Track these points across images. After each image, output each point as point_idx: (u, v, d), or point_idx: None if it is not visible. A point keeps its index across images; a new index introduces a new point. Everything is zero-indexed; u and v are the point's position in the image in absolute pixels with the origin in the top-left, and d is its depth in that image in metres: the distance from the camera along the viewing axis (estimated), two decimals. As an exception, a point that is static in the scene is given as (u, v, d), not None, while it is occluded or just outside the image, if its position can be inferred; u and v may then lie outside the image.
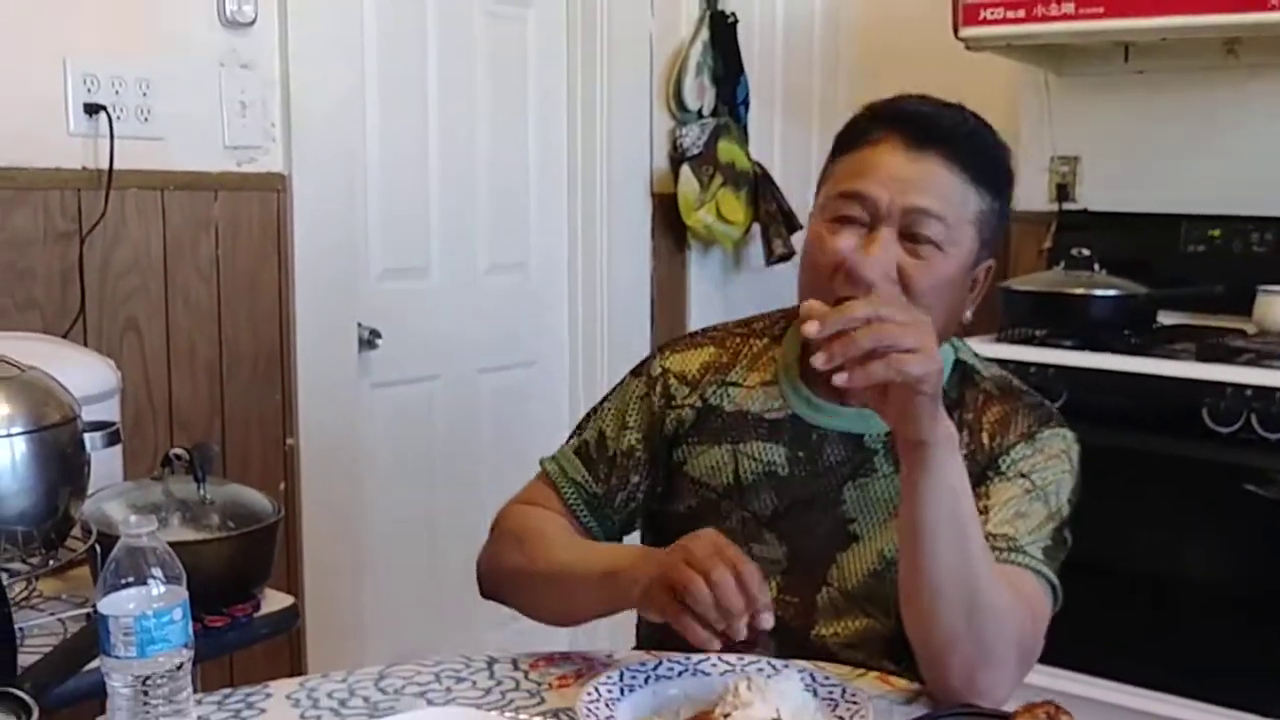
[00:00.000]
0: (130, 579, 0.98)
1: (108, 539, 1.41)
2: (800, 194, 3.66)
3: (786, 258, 3.29)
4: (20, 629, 1.34)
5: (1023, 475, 1.26)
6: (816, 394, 1.32)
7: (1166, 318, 2.75)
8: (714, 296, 3.40)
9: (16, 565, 1.34)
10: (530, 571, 1.29)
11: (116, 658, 0.97)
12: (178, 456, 1.49)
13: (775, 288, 3.50)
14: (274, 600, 1.54)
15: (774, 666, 1.16)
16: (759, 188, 3.27)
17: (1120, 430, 2.41)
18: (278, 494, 2.40)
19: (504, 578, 1.34)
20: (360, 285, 2.59)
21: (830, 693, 1.12)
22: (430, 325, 2.77)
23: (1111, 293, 2.55)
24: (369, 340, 2.60)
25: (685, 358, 1.39)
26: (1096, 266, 2.61)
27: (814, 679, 1.13)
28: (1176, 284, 2.71)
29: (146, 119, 2.15)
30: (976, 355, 1.40)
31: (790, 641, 1.26)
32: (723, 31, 3.24)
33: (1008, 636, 1.13)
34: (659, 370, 1.39)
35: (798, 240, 3.33)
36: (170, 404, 2.24)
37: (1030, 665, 1.19)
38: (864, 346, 1.00)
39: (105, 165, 2.07)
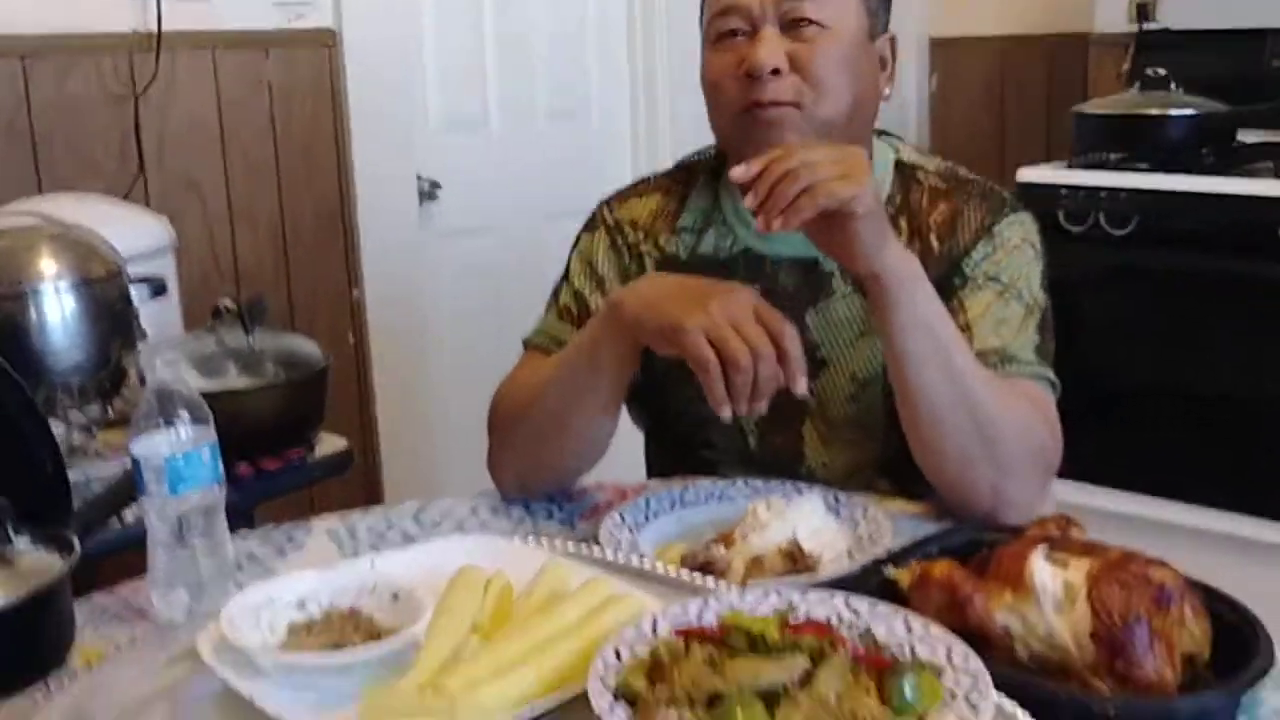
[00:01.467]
0: (159, 422, 1.02)
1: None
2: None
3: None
4: (86, 476, 1.43)
5: (990, 278, 1.24)
6: None
7: (1247, 136, 2.63)
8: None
9: (75, 415, 1.40)
10: (533, 418, 1.24)
11: (150, 497, 1.02)
12: (227, 308, 1.53)
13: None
14: (330, 444, 1.59)
15: (797, 489, 1.18)
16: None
17: (1194, 252, 2.34)
18: (345, 343, 2.47)
19: (516, 460, 1.27)
20: (418, 137, 2.59)
21: (851, 513, 1.13)
22: (490, 175, 2.77)
23: (1188, 112, 2.44)
24: (429, 192, 2.62)
25: (633, 205, 1.37)
26: (1173, 85, 2.49)
27: (837, 500, 1.15)
28: (1260, 102, 2.59)
29: (193, -23, 2.16)
30: (920, 151, 1.37)
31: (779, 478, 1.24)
32: None
33: (1024, 448, 1.13)
34: (612, 220, 1.37)
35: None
36: (235, 261, 2.29)
37: (1053, 470, 1.19)
38: (791, 193, 1.01)
39: (154, 27, 2.08)
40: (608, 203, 1.39)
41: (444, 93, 2.65)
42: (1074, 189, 2.46)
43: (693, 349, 1.06)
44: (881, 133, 1.36)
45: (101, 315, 1.35)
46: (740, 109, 1.22)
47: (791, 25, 1.22)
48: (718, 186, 1.35)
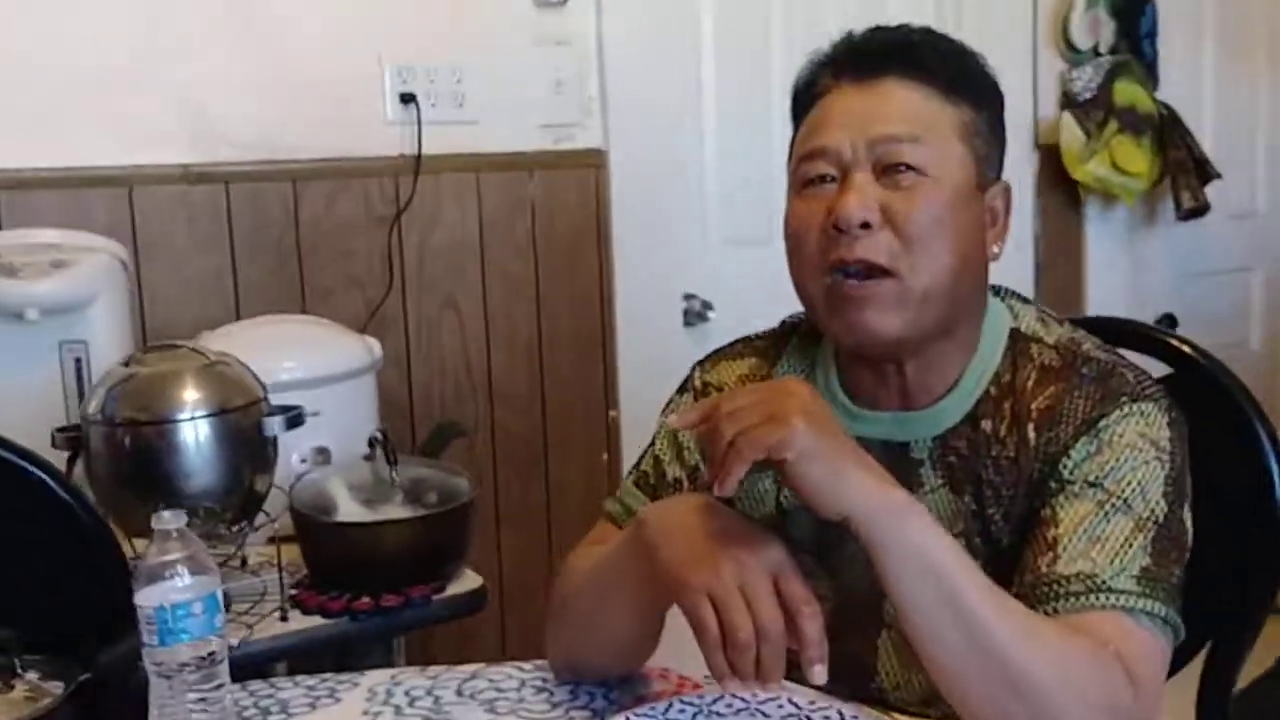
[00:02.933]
0: (159, 573, 1.03)
1: (299, 515, 1.52)
2: (1237, 133, 3.16)
3: (1199, 212, 2.85)
4: (225, 591, 1.49)
5: (1091, 484, 1.01)
6: (853, 399, 1.14)
7: None
8: (1118, 258, 3.03)
9: (223, 532, 1.46)
10: (572, 609, 1.15)
11: (145, 646, 1.03)
12: (374, 440, 1.55)
13: (1192, 246, 3.07)
14: (467, 581, 1.56)
15: (841, 715, 1.01)
16: (1165, 132, 2.84)
17: None
18: (599, 463, 2.46)
19: (561, 643, 1.17)
20: (690, 256, 2.56)
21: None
22: (770, 295, 2.67)
23: None
24: (699, 312, 2.57)
25: (725, 369, 1.24)
26: None
27: (886, 735, 0.97)
28: None
29: (461, 104, 2.26)
30: (1047, 314, 1.15)
31: (843, 697, 1.07)
32: (1124, -45, 2.85)
33: (1081, 706, 0.90)
34: (700, 384, 1.24)
35: (1213, 191, 2.88)
36: (489, 378, 2.35)
37: None
38: (719, 453, 0.92)
39: (417, 150, 2.20)
40: (702, 363, 1.27)
41: (722, 211, 2.61)
42: None
43: (691, 610, 0.93)
44: (1006, 294, 1.17)
45: (236, 443, 1.41)
46: (825, 268, 1.07)
47: (887, 172, 1.06)
48: (814, 352, 1.20)
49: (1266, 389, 3.33)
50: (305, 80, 2.13)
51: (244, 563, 1.59)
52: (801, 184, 1.11)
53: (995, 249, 1.11)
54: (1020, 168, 2.87)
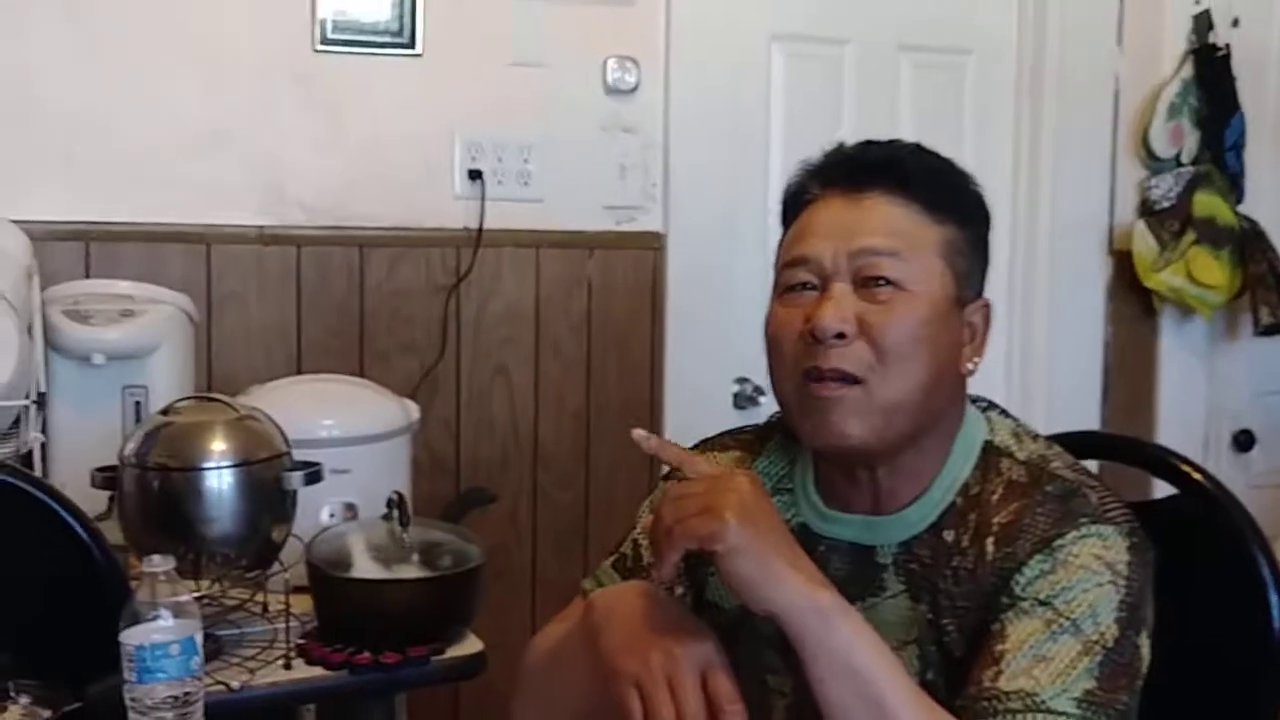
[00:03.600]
0: (144, 613, 1.09)
1: (313, 567, 1.59)
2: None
3: (1277, 328, 2.79)
4: (240, 631, 1.56)
5: (1041, 602, 1.01)
6: (826, 501, 1.15)
7: None
8: (1195, 369, 2.97)
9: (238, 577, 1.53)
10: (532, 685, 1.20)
11: (124, 681, 1.09)
12: (391, 501, 1.61)
13: (1273, 360, 2.99)
14: (469, 646, 1.60)
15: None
16: (1246, 246, 2.79)
17: None
18: (641, 540, 2.48)
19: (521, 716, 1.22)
20: (746, 340, 2.58)
21: None
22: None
23: None
24: (751, 396, 2.60)
25: (709, 460, 1.26)
26: None
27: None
28: None
29: (527, 182, 2.34)
30: (1022, 429, 1.16)
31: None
32: (1211, 66, 2.83)
33: None
34: (681, 475, 1.26)
35: (1295, 308, 2.82)
36: (535, 445, 2.41)
37: None
38: (658, 537, 0.97)
39: (480, 225, 2.29)
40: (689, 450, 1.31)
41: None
42: None
43: (618, 696, 0.97)
44: (988, 406, 1.18)
45: (256, 494, 1.48)
46: (800, 374, 1.10)
47: (866, 284, 1.09)
48: (795, 450, 1.22)
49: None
50: (376, 151, 2.24)
51: (265, 609, 1.66)
52: (784, 289, 1.14)
53: (970, 365, 1.13)
54: (1093, 272, 2.86)
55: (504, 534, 2.34)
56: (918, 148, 1.18)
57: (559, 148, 2.36)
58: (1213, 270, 2.77)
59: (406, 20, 2.25)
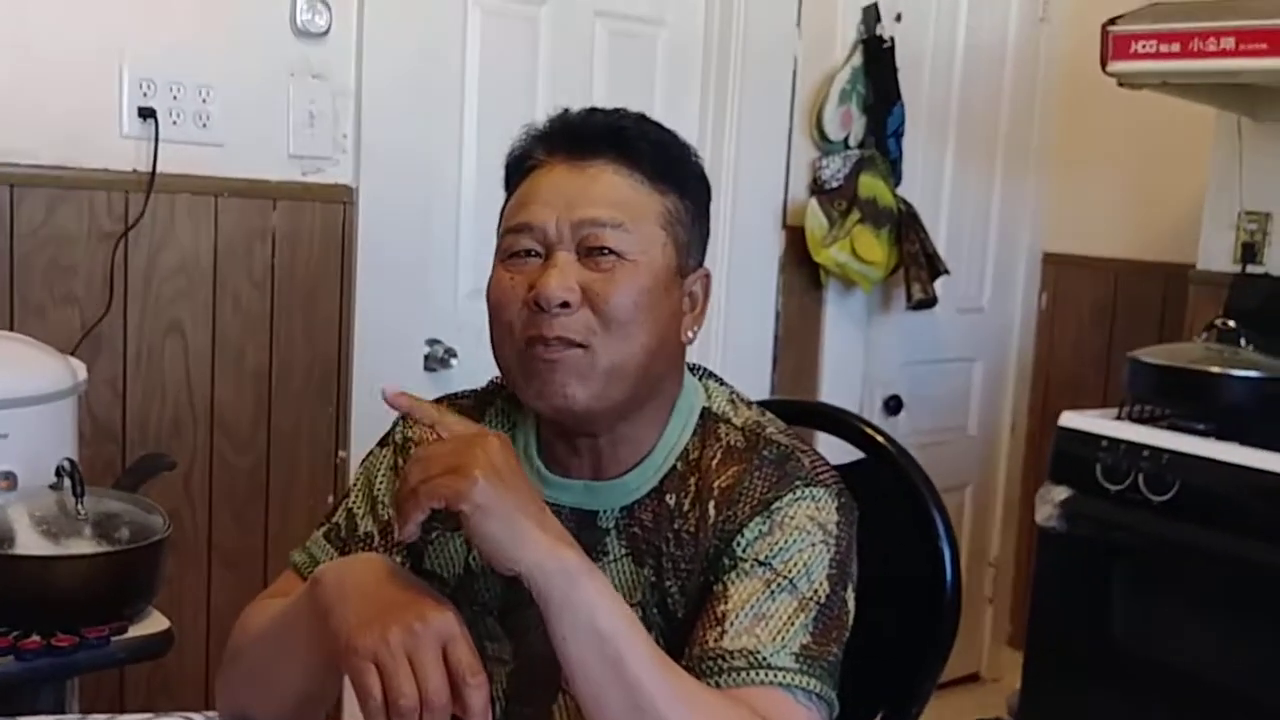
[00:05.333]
0: None
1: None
2: (971, 233, 3.38)
3: (926, 304, 3.03)
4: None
5: (761, 562, 1.06)
6: (548, 466, 1.17)
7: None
8: (854, 338, 3.17)
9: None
10: (244, 661, 1.13)
11: None
12: (62, 469, 1.47)
13: (921, 332, 3.25)
14: (153, 623, 1.49)
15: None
16: (902, 227, 3.01)
17: (1234, 535, 2.04)
18: (324, 505, 2.39)
19: (230, 694, 1.14)
20: (439, 302, 2.54)
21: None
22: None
23: (1252, 374, 2.16)
24: (442, 358, 2.55)
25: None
26: (1243, 341, 2.22)
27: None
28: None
29: (205, 124, 2.18)
30: (737, 397, 1.21)
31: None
32: (878, 58, 3.01)
33: None
34: (401, 438, 1.24)
35: (943, 285, 3.06)
36: (212, 408, 2.26)
37: None
38: (404, 495, 0.95)
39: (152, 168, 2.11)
40: (404, 418, 1.26)
41: (476, 259, 2.60)
42: (1115, 443, 2.20)
43: (354, 674, 0.92)
44: (704, 374, 1.21)
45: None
46: (523, 341, 1.09)
47: (590, 254, 1.09)
48: (516, 415, 1.21)
49: (980, 470, 3.56)
50: (29, 80, 2.01)
51: (-99, 592, 1.47)
52: (507, 255, 1.12)
53: (690, 334, 1.15)
54: (768, 246, 2.99)
55: (178, 501, 2.18)
56: (641, 117, 1.18)
57: (242, 90, 2.21)
58: (874, 248, 2.96)
59: (70, -66, 2.03)
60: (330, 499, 2.40)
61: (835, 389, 3.12)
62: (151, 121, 2.11)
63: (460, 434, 1.00)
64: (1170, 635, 2.15)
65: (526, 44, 2.61)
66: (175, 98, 2.14)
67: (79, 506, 1.45)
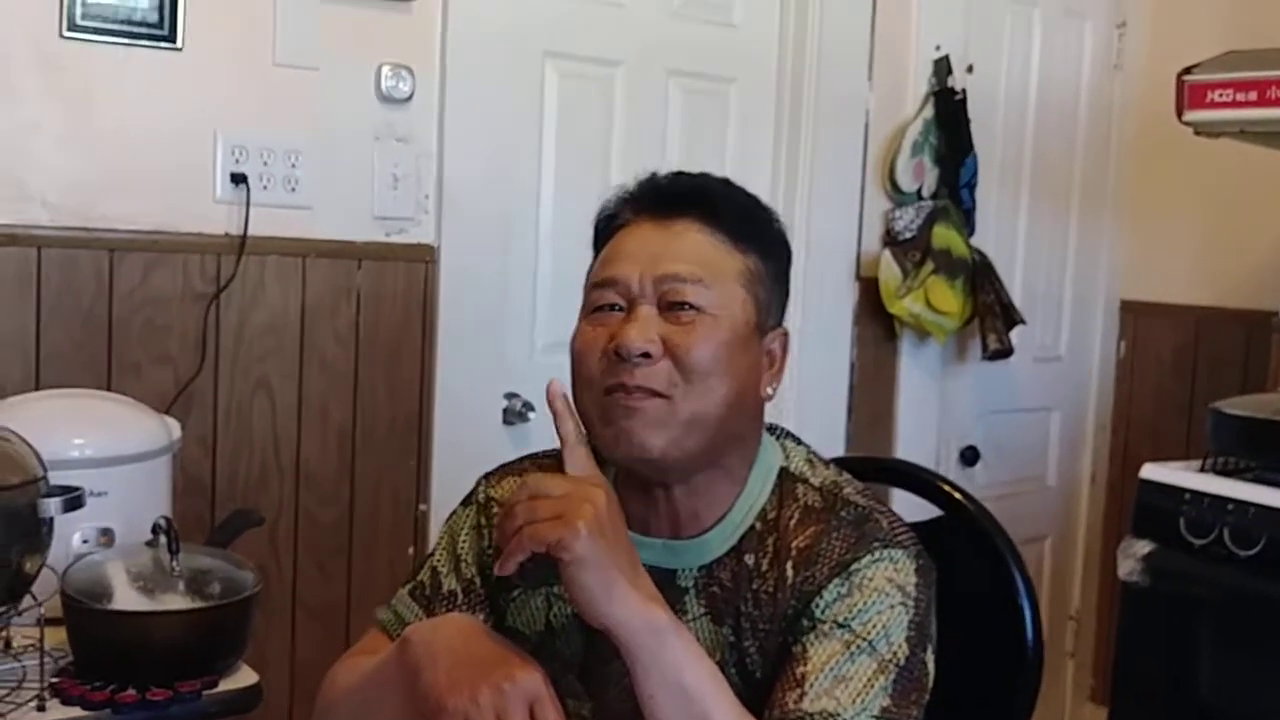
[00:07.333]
0: None
1: (68, 599, 1.47)
2: (1047, 282, 3.36)
3: (1002, 354, 3.01)
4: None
5: (840, 624, 1.07)
6: (626, 523, 1.18)
7: None
8: (930, 389, 3.16)
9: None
10: None
11: None
12: (158, 526, 1.52)
13: (998, 382, 3.23)
14: (242, 678, 1.53)
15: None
16: (977, 277, 3.00)
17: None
18: (404, 557, 2.43)
19: None
20: (516, 357, 2.58)
21: None
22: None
23: (1342, 425, 2.13)
24: (520, 412, 2.59)
25: (507, 484, 1.27)
26: (1332, 392, 2.19)
27: None
28: None
29: (294, 189, 2.25)
30: (815, 456, 1.22)
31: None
32: (950, 109, 3.03)
33: None
34: (484, 498, 1.27)
35: (1019, 335, 3.05)
36: (297, 463, 2.31)
37: None
38: (508, 533, 0.98)
39: (243, 231, 2.18)
40: (488, 476, 1.30)
41: (552, 316, 2.64)
42: (1199, 496, 2.17)
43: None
44: (781, 434, 1.23)
45: (8, 523, 1.36)
46: (604, 389, 1.12)
47: (671, 308, 1.12)
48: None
49: (1059, 522, 3.51)
50: (130, 148, 2.10)
51: (8, 645, 1.53)
52: (592, 309, 1.16)
53: (769, 390, 1.18)
54: (843, 297, 3.00)
55: (264, 554, 2.23)
56: (726, 181, 1.22)
57: (329, 154, 2.28)
58: (948, 298, 2.96)
59: (166, 11, 2.12)
60: (411, 550, 2.44)
61: (911, 440, 3.11)
62: (243, 186, 2.18)
63: (570, 478, 1.03)
64: (1258, 693, 2.10)
65: (602, 104, 2.66)
66: (265, 163, 2.22)
67: (174, 563, 1.50)
